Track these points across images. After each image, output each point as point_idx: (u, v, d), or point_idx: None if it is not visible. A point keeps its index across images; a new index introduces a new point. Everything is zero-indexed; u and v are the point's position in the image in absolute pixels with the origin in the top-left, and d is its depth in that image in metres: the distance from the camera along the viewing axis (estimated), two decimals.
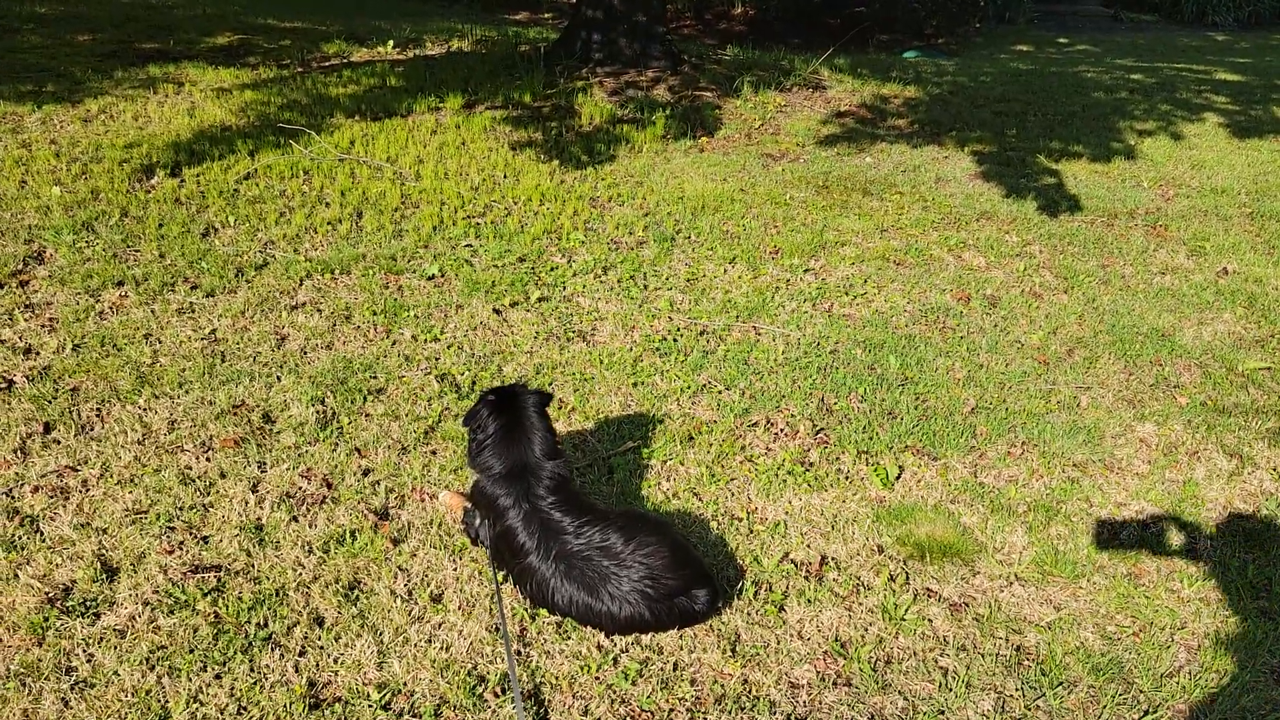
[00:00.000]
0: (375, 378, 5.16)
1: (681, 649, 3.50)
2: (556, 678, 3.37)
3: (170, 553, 3.84)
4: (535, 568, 3.60)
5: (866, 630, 3.71)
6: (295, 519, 4.08)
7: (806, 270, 6.82)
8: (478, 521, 3.83)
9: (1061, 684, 3.43)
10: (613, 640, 3.53)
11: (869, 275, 6.76)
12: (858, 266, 6.90)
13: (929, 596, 3.88)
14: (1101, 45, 21.09)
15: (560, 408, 5.02)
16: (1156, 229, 7.91)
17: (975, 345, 5.88)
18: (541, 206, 7.60)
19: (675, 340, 5.77)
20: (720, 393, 5.23)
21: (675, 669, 3.42)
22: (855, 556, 4.07)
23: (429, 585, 3.78)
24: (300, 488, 4.28)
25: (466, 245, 6.88)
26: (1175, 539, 4.24)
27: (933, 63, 15.45)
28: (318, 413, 4.78)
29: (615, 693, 3.32)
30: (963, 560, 4.02)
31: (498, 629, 3.50)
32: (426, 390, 5.08)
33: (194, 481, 4.24)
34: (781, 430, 4.95)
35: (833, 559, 4.04)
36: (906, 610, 3.80)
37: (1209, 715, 3.35)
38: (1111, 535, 4.29)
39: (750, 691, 3.37)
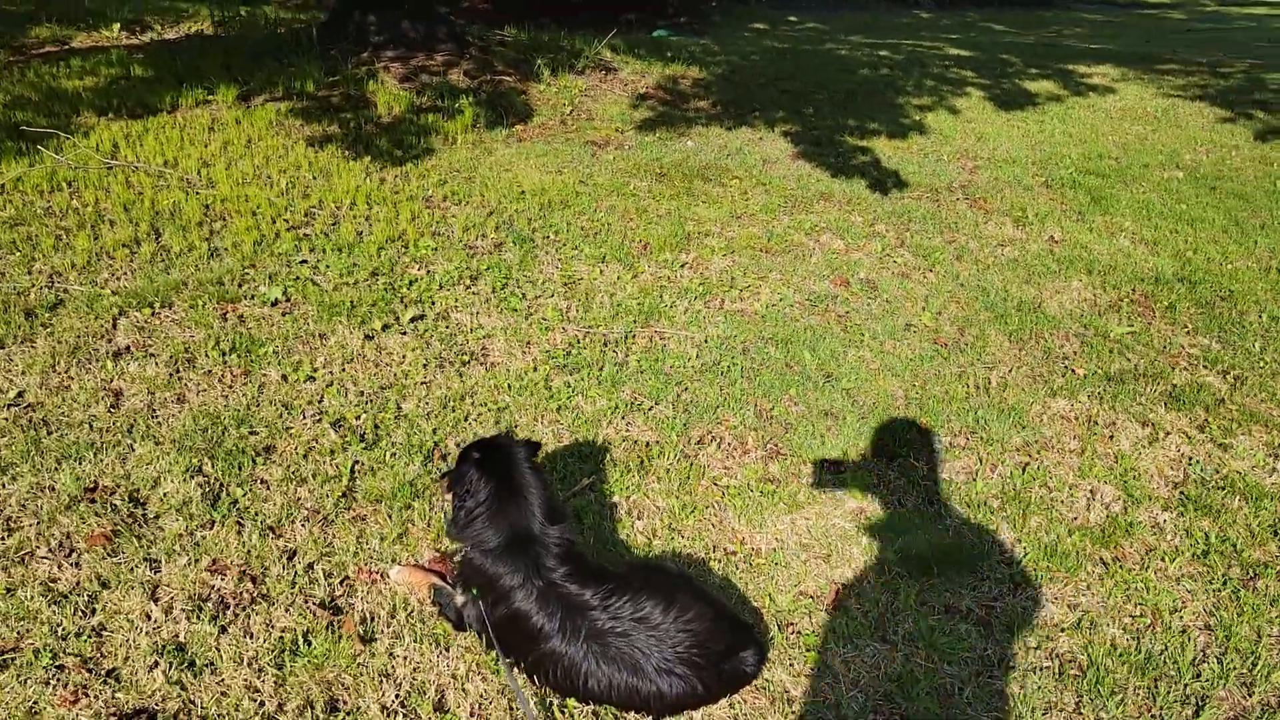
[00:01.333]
0: (255, 433, 4.33)
1: None
2: None
3: (73, 702, 2.92)
4: (561, 653, 3.11)
5: (910, 662, 3.52)
6: (225, 629, 3.29)
7: (682, 265, 6.51)
8: (460, 600, 3.27)
9: (1113, 691, 3.33)
10: None
11: (745, 266, 6.57)
12: (731, 258, 6.66)
13: (954, 614, 3.79)
14: (829, 23, 22.39)
15: None
16: (976, 202, 8.24)
17: (875, 333, 5.88)
18: (371, 210, 6.81)
19: (579, 353, 5.34)
20: (650, 409, 4.82)
21: None
22: (866, 580, 3.87)
23: (425, 691, 3.14)
24: (215, 587, 3.48)
25: (302, 261, 6.00)
26: (1137, 515, 4.37)
27: (694, 42, 15.57)
28: (200, 486, 3.93)
29: None
30: (967, 568, 3.89)
31: None
32: (324, 442, 4.33)
33: (68, 599, 3.29)
34: (732, 446, 4.63)
35: (846, 586, 3.74)
36: (939, 634, 3.66)
37: (1253, 697, 3.33)
38: (1080, 520, 4.38)
39: None
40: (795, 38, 18.35)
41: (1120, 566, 3.98)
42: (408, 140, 8.51)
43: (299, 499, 4.04)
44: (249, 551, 3.71)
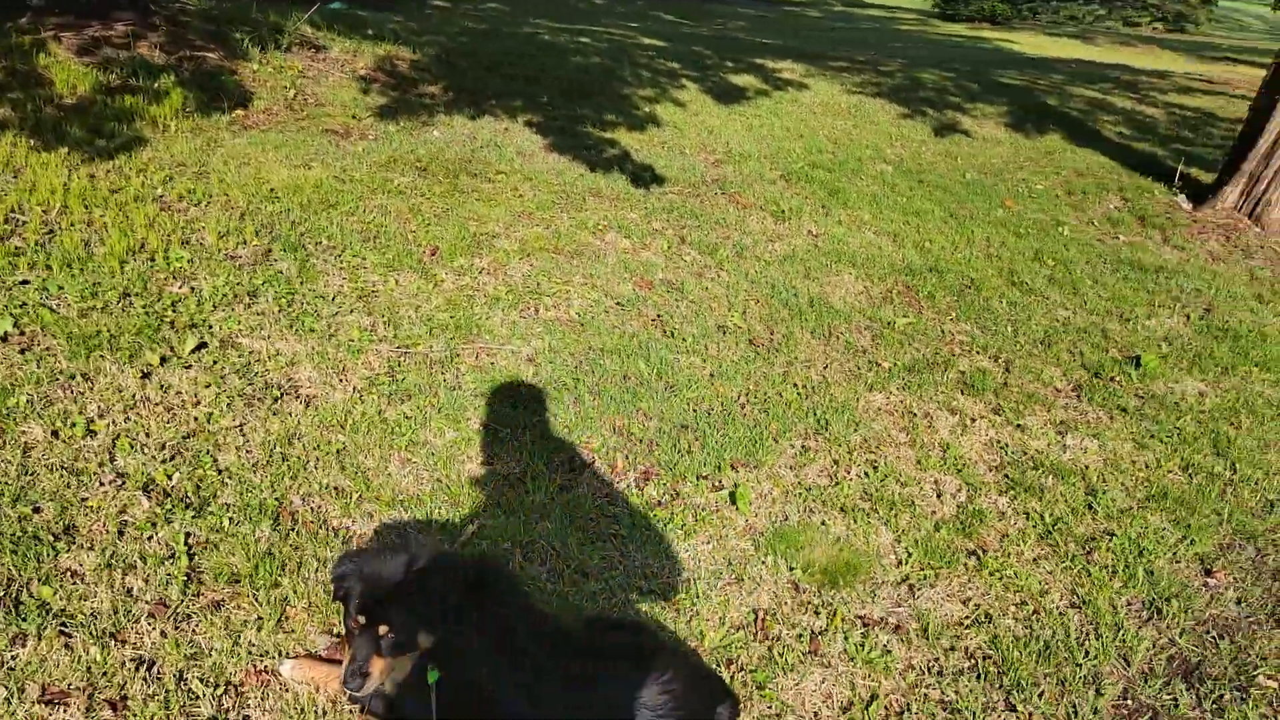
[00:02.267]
0: (40, 511, 3.49)
1: None
2: None
3: None
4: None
5: (856, 685, 3.58)
6: None
7: (481, 271, 6.15)
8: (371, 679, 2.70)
9: (1032, 683, 3.56)
10: None
11: (546, 270, 6.37)
12: (528, 261, 6.40)
13: (871, 625, 3.87)
14: (510, 4, 22.24)
15: (340, 496, 4.03)
16: (732, 197, 8.55)
17: (694, 336, 5.91)
18: (93, 215, 5.80)
19: (404, 378, 4.94)
20: (506, 439, 4.48)
21: None
22: (783, 601, 3.88)
23: None
24: None
25: (23, 282, 4.96)
26: (980, 503, 4.75)
27: (390, 19, 14.65)
28: None
29: None
30: (864, 575, 4.02)
31: None
32: (137, 513, 3.68)
33: None
34: (603, 470, 4.40)
35: (767, 612, 3.72)
36: (868, 648, 3.73)
37: (1132, 667, 3.77)
38: (939, 514, 4.65)
39: None
40: (483, 17, 17.94)
41: (988, 556, 4.24)
42: (108, 127, 7.28)
43: (131, 591, 3.28)
44: (89, 669, 2.93)
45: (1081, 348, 6.44)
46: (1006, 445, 5.16)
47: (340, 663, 3.00)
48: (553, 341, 5.41)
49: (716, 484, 4.45)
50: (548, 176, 8.17)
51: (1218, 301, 7.58)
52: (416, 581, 2.64)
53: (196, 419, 4.27)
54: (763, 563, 3.98)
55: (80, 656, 3.04)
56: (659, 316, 5.97)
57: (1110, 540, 4.47)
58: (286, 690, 3.04)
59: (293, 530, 3.70)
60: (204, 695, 3.00)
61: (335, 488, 4.00)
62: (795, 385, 5.44)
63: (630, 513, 4.14)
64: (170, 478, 3.90)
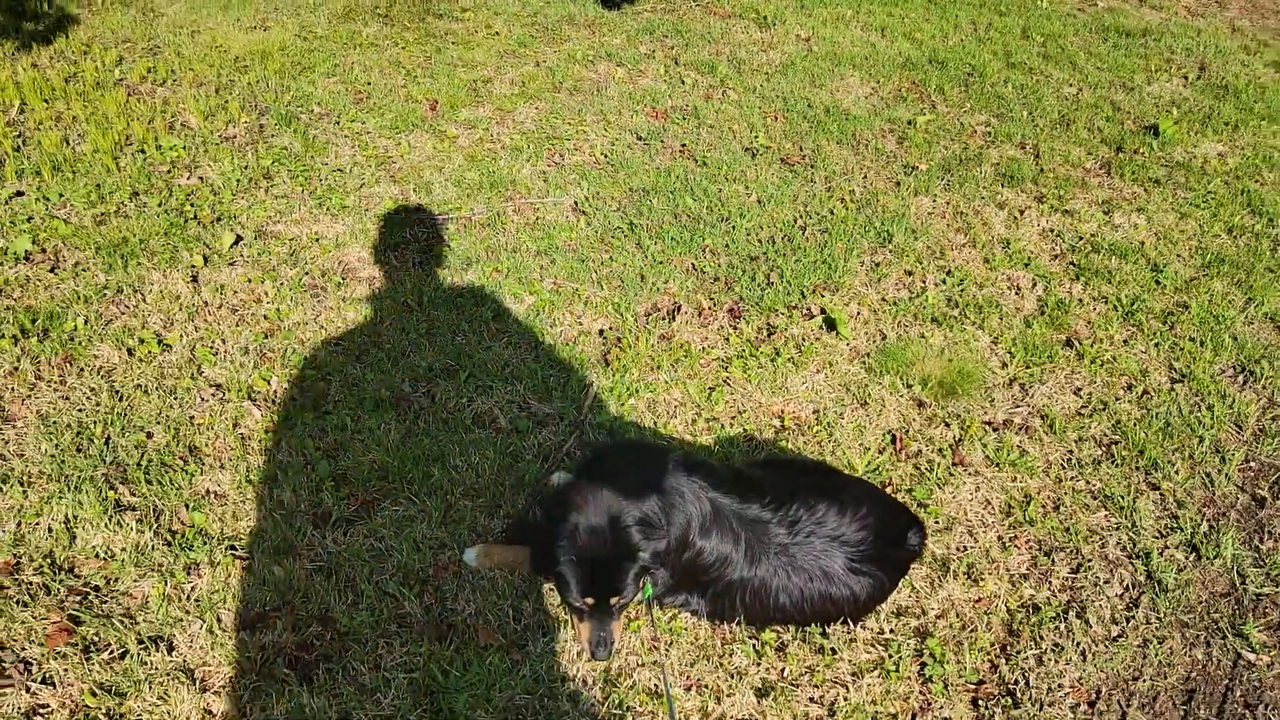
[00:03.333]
0: (153, 436, 3.38)
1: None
2: None
3: None
4: (746, 577, 2.82)
5: (1008, 488, 3.71)
6: None
7: (491, 122, 5.83)
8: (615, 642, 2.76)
9: (1167, 461, 3.80)
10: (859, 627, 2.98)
11: (554, 112, 6.06)
12: (532, 105, 6.05)
13: (999, 429, 3.97)
14: None
15: (450, 376, 3.93)
16: (707, 7, 8.13)
17: (728, 163, 5.70)
18: (56, 109, 5.36)
19: (459, 246, 4.72)
20: (588, 296, 4.34)
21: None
22: (913, 421, 3.97)
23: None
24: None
25: (18, 194, 4.58)
26: (1058, 293, 4.85)
27: None
28: (141, 524, 3.04)
29: None
30: (977, 382, 4.08)
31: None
32: (252, 423, 3.60)
33: None
34: (690, 314, 4.34)
35: (902, 431, 3.77)
36: (1008, 452, 3.81)
37: (1245, 432, 4.02)
38: (1026, 310, 4.72)
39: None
40: None
41: (1083, 344, 4.28)
42: (30, 6, 6.48)
43: (284, 504, 3.19)
44: (278, 587, 2.85)
45: (1098, 123, 6.38)
46: (1061, 232, 5.15)
47: (514, 544, 3.04)
48: (591, 188, 5.17)
49: (807, 311, 4.38)
50: (513, 7, 7.63)
51: (1209, 58, 7.55)
52: (626, 546, 2.59)
53: (266, 317, 4.03)
54: (880, 384, 3.96)
55: (265, 577, 2.90)
56: (684, 146, 5.72)
57: (1186, 312, 4.55)
58: (477, 576, 2.97)
59: (418, 419, 3.54)
60: (403, 596, 2.90)
61: (441, 368, 3.81)
62: (843, 201, 5.30)
63: (734, 354, 4.05)
64: (269, 382, 3.69)
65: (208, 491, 3.20)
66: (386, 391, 3.69)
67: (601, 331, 4.14)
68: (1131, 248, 5.00)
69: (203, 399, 3.58)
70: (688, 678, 2.79)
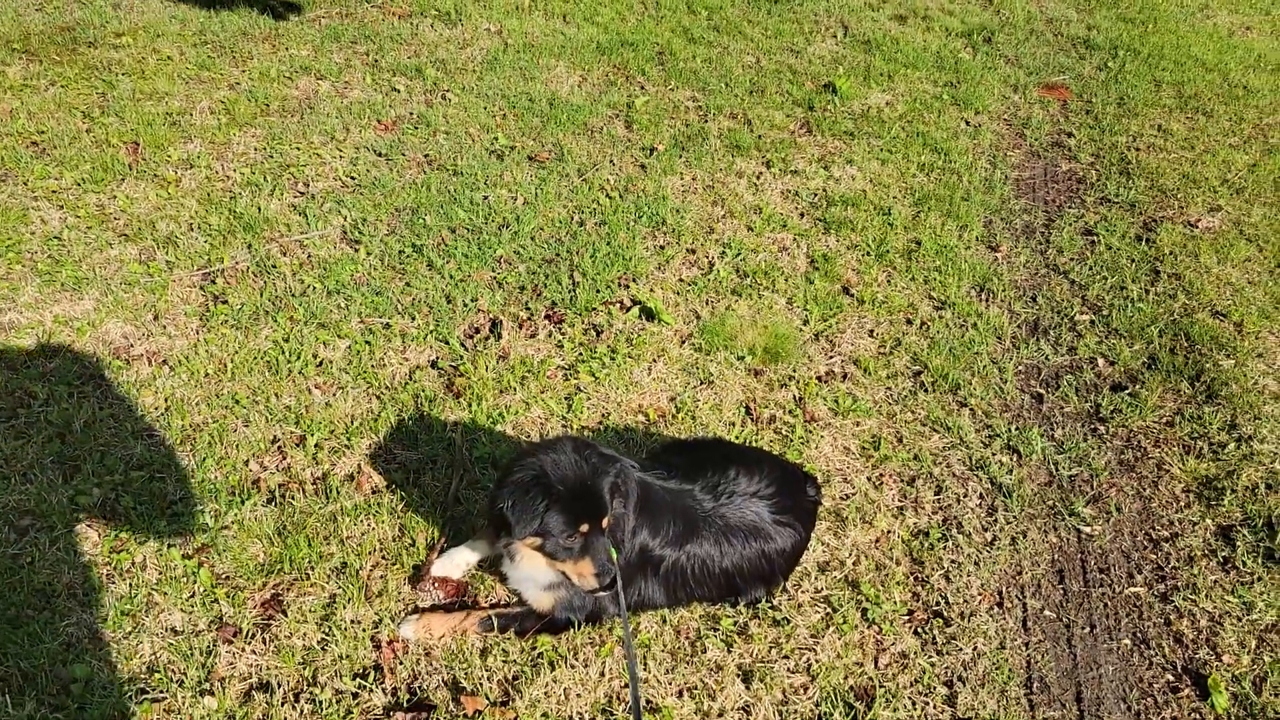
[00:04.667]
0: None
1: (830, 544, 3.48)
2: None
3: None
4: (689, 549, 3.01)
5: (856, 433, 4.14)
6: None
7: (210, 156, 5.41)
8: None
9: (967, 381, 4.35)
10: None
11: (276, 136, 5.69)
12: (249, 132, 5.69)
13: (827, 380, 4.35)
14: None
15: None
16: (383, 7, 7.96)
17: (480, 168, 5.69)
18: None
19: (235, 299, 4.43)
20: (402, 329, 4.30)
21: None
22: (757, 390, 4.25)
23: None
24: None
25: None
26: (818, 247, 5.39)
27: None
28: None
29: None
30: (792, 342, 4.47)
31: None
32: None
33: None
34: (516, 328, 4.40)
35: (751, 402, 4.12)
36: (842, 400, 4.25)
37: (1017, 321, 4.65)
38: (799, 269, 5.15)
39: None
40: None
41: (858, 291, 4.83)
42: None
43: None
44: None
45: (785, 87, 7.05)
46: (797, 191, 5.70)
47: (457, 605, 2.99)
48: (353, 214, 4.93)
49: (622, 305, 4.51)
50: (173, 28, 6.95)
51: (848, 18, 8.52)
52: (598, 466, 2.63)
53: (51, 422, 3.49)
54: (715, 360, 4.22)
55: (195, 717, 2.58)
56: (428, 157, 5.60)
57: (921, 247, 5.23)
58: (427, 645, 2.84)
59: (285, 497, 3.32)
60: (362, 688, 2.72)
61: (286, 437, 3.57)
62: (604, 190, 5.49)
63: (575, 361, 4.12)
64: (90, 495, 3.21)
65: (76, 640, 2.73)
66: (234, 475, 3.32)
67: (434, 363, 4.00)
68: (858, 197, 5.61)
69: (19, 537, 3.00)
70: (675, 687, 2.84)
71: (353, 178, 5.25)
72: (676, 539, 2.86)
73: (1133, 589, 3.40)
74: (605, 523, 2.57)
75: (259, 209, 4.84)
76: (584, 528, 2.55)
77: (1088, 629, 3.24)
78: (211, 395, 3.71)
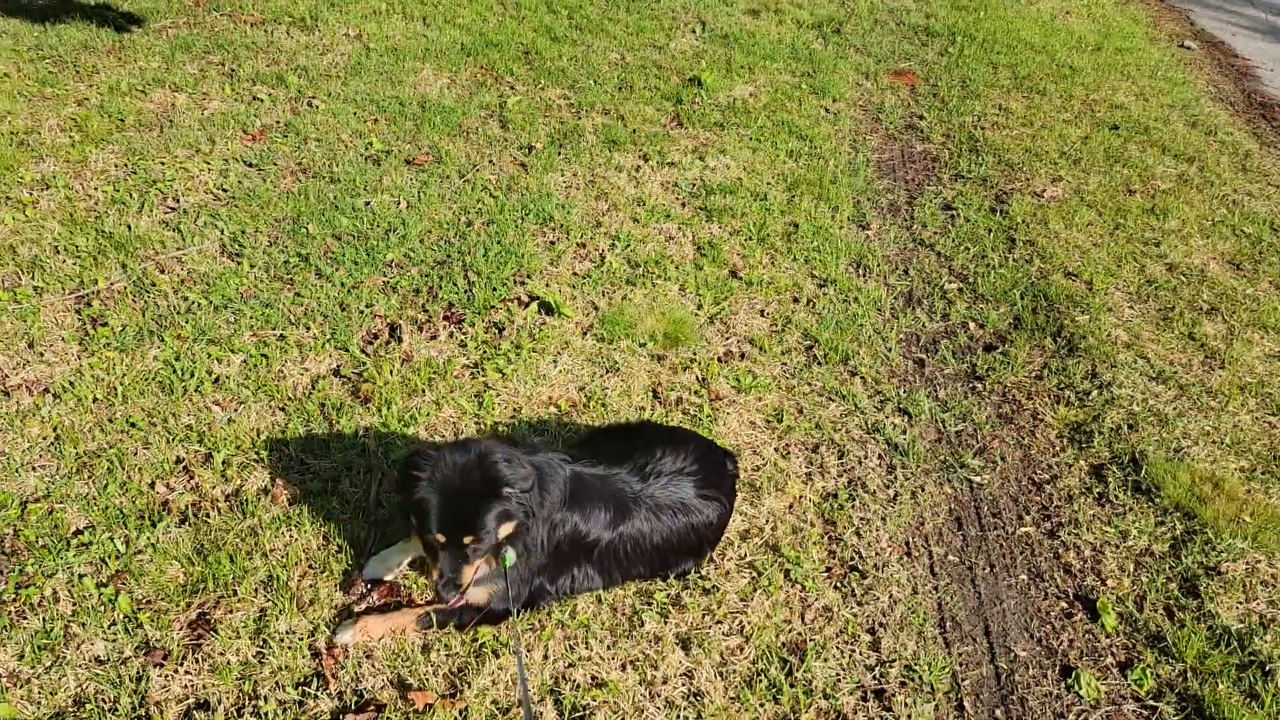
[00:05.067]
0: None
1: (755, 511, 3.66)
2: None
3: None
4: (623, 531, 3.12)
5: (760, 406, 4.24)
6: None
7: (68, 175, 5.20)
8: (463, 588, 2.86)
9: (855, 352, 4.63)
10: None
11: (136, 151, 5.50)
12: (107, 149, 5.50)
13: (726, 360, 4.50)
14: None
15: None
16: (235, 16, 7.77)
17: (357, 174, 5.62)
18: None
19: (117, 321, 4.26)
20: (298, 339, 4.28)
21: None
22: (661, 375, 4.37)
23: None
24: None
25: None
26: (702, 234, 5.48)
27: None
28: None
29: None
30: (689, 327, 4.64)
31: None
32: None
33: None
34: (417, 331, 4.44)
35: (658, 386, 4.27)
36: (741, 378, 4.41)
37: (893, 293, 4.94)
38: (687, 255, 5.23)
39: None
40: None
41: (746, 273, 5.06)
42: None
43: None
44: None
45: (653, 82, 7.24)
46: (676, 182, 5.88)
47: (390, 605, 3.02)
48: (230, 227, 4.83)
49: (520, 301, 4.57)
50: (4, 43, 6.58)
51: (704, 14, 8.79)
52: (492, 484, 2.68)
53: None
54: (618, 349, 4.34)
55: None
56: (302, 165, 5.52)
57: (799, 230, 5.49)
58: (367, 649, 2.87)
59: (199, 518, 3.26)
60: (306, 697, 2.73)
61: (191, 456, 3.48)
62: (487, 190, 5.53)
63: (481, 360, 4.16)
64: None
65: None
66: (141, 499, 3.24)
67: (336, 371, 3.97)
68: (734, 185, 5.82)
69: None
70: (618, 661, 2.93)
71: (225, 190, 5.10)
72: (609, 523, 2.94)
73: (1023, 529, 3.67)
74: (469, 543, 2.65)
75: (129, 227, 4.65)
76: (440, 537, 2.62)
77: (988, 569, 3.48)
78: (104, 420, 3.55)
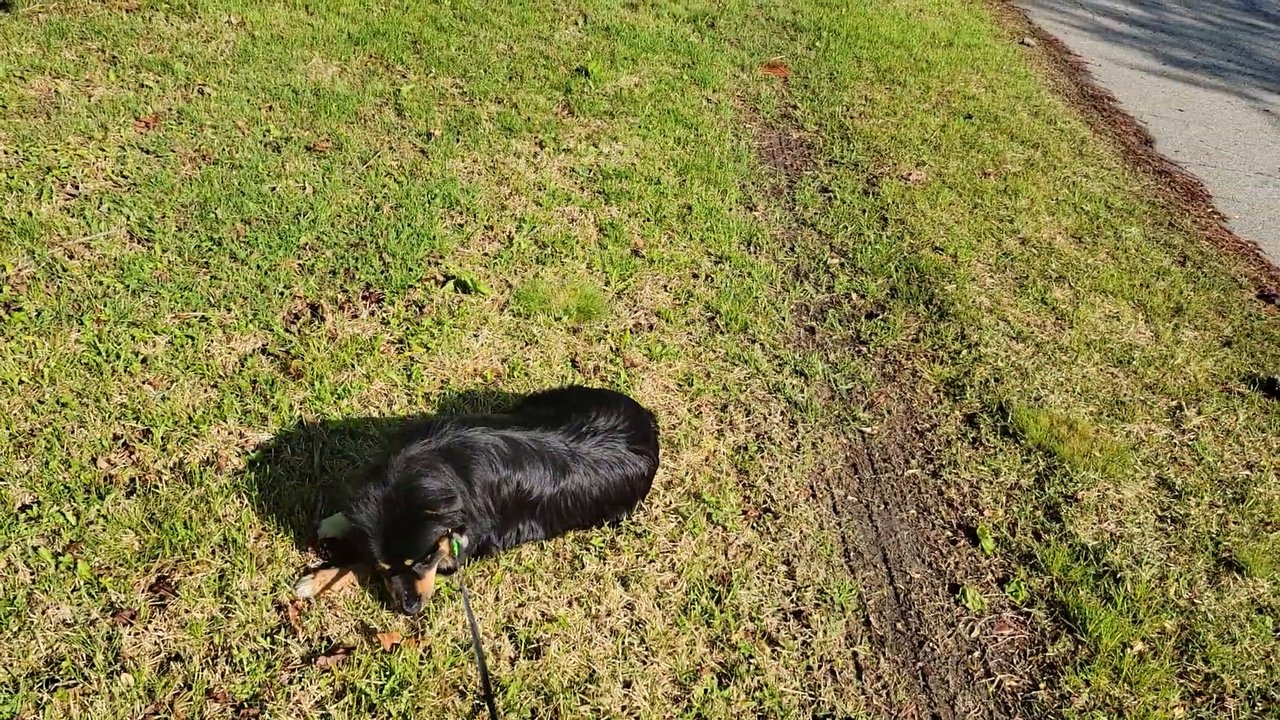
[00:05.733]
0: None
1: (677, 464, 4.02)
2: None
3: None
4: (567, 488, 3.42)
5: (674, 369, 4.57)
6: None
7: None
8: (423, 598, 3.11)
9: (752, 322, 5.07)
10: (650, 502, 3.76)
11: (24, 137, 5.38)
12: None
13: (637, 330, 4.80)
14: None
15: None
16: (110, 2, 7.69)
17: (262, 161, 5.66)
18: None
19: (31, 306, 4.27)
20: (220, 320, 4.43)
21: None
22: (579, 348, 4.64)
23: None
24: None
25: None
26: (602, 216, 5.70)
27: None
28: None
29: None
30: (598, 301, 4.96)
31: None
32: None
33: None
34: (338, 310, 4.64)
35: (578, 357, 4.59)
36: (652, 345, 4.72)
37: (784, 268, 5.41)
38: (590, 236, 5.49)
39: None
40: None
41: (647, 252, 5.42)
42: None
43: None
44: None
45: (541, 72, 7.51)
46: (574, 168, 6.18)
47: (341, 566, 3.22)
48: (135, 213, 4.87)
49: (437, 280, 4.81)
50: None
51: (585, 6, 9.11)
52: (420, 512, 2.91)
53: None
54: (535, 323, 4.62)
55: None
56: (201, 152, 5.58)
57: (692, 211, 5.89)
58: (330, 599, 3.11)
59: (149, 491, 3.37)
60: (279, 645, 2.95)
61: (130, 433, 3.59)
62: (390, 175, 5.71)
63: (404, 335, 4.37)
64: None
65: None
66: (85, 474, 3.36)
67: (264, 349, 4.12)
68: (628, 170, 6.16)
69: None
70: (564, 598, 3.23)
71: (124, 176, 5.11)
72: (552, 480, 3.21)
73: (910, 471, 4.14)
74: (411, 564, 2.91)
75: (30, 214, 4.63)
76: (385, 565, 2.89)
77: (882, 506, 3.93)
78: (34, 401, 3.61)
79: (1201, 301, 5.73)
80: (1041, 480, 4.09)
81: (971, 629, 3.40)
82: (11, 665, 2.71)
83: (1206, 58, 11.48)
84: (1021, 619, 3.47)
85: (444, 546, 2.92)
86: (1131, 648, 3.36)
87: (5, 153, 5.10)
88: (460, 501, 2.94)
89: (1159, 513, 4.04)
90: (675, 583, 3.33)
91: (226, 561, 3.10)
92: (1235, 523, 4.03)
